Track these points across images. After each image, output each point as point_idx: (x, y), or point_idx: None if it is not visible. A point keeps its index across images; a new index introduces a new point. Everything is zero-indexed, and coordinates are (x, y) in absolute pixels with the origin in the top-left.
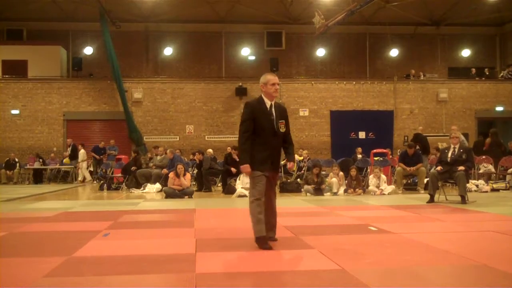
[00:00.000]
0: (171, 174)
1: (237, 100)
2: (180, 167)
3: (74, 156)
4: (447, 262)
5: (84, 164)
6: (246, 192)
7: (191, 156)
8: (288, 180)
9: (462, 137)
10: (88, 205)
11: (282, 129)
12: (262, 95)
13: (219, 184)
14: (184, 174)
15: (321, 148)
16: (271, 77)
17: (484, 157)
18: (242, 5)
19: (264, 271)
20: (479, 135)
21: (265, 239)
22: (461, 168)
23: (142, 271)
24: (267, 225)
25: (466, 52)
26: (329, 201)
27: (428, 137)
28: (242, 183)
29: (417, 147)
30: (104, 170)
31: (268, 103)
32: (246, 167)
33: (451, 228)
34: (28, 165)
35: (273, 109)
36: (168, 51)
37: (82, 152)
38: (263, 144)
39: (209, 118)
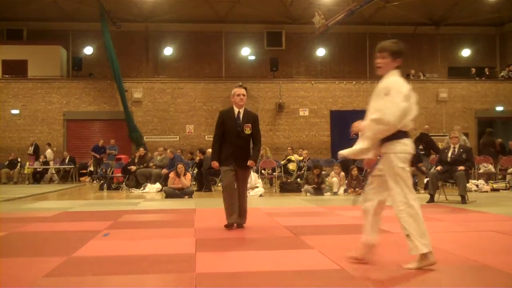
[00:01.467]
0: (172, 174)
1: None
2: (180, 167)
3: (37, 156)
4: (447, 262)
5: (51, 163)
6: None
7: (189, 155)
8: (288, 180)
9: (464, 137)
10: (88, 205)
11: (247, 132)
12: (233, 105)
13: (219, 184)
14: (185, 174)
15: (321, 148)
16: (236, 90)
17: (483, 157)
18: (242, 5)
19: (264, 271)
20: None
21: (232, 225)
22: (461, 168)
23: (142, 271)
24: (238, 210)
25: (466, 52)
26: (329, 201)
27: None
28: None
29: (420, 147)
30: (104, 170)
31: (236, 110)
32: (214, 163)
33: (451, 228)
34: (28, 165)
35: (240, 115)
36: (168, 51)
37: (49, 152)
38: (230, 144)
39: (209, 118)
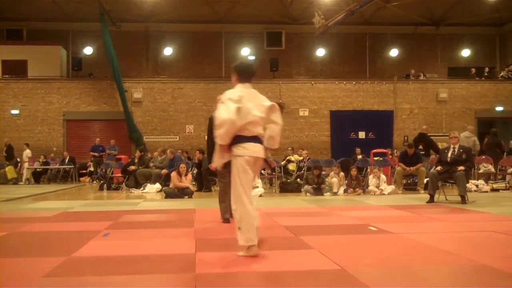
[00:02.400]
0: (174, 174)
1: None
2: (183, 166)
3: (9, 157)
4: (447, 262)
5: (26, 165)
6: None
7: (185, 154)
8: (288, 180)
9: (474, 138)
10: (88, 205)
11: None
12: None
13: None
14: (186, 174)
15: (321, 148)
16: (221, 96)
17: (484, 157)
18: (242, 5)
19: (264, 271)
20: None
21: (227, 220)
22: (461, 168)
23: (142, 271)
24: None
25: (466, 52)
26: (329, 201)
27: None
28: None
29: (420, 146)
30: (104, 170)
31: None
32: (212, 166)
33: (451, 228)
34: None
35: None
36: (168, 51)
37: (26, 152)
38: None
39: (208, 118)
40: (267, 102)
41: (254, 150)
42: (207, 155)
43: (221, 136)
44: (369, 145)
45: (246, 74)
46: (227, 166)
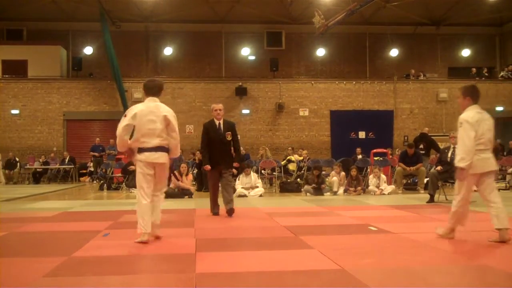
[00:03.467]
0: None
1: (237, 100)
2: (183, 166)
3: None
4: (447, 262)
5: None
6: (246, 192)
7: (191, 156)
8: (288, 180)
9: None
10: (88, 205)
11: (228, 138)
12: (213, 118)
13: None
14: (187, 174)
15: (321, 148)
16: (214, 105)
17: None
18: (242, 5)
19: (264, 271)
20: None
21: (216, 210)
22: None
23: (142, 271)
24: (225, 200)
25: (466, 52)
26: (329, 201)
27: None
28: (242, 183)
29: (421, 146)
30: (104, 170)
31: (216, 122)
32: (207, 166)
33: None
34: (28, 165)
35: (221, 126)
36: (168, 51)
37: None
38: (215, 149)
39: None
40: (165, 112)
41: (152, 157)
42: (203, 158)
43: (118, 145)
44: (369, 145)
45: (151, 89)
46: (216, 167)
